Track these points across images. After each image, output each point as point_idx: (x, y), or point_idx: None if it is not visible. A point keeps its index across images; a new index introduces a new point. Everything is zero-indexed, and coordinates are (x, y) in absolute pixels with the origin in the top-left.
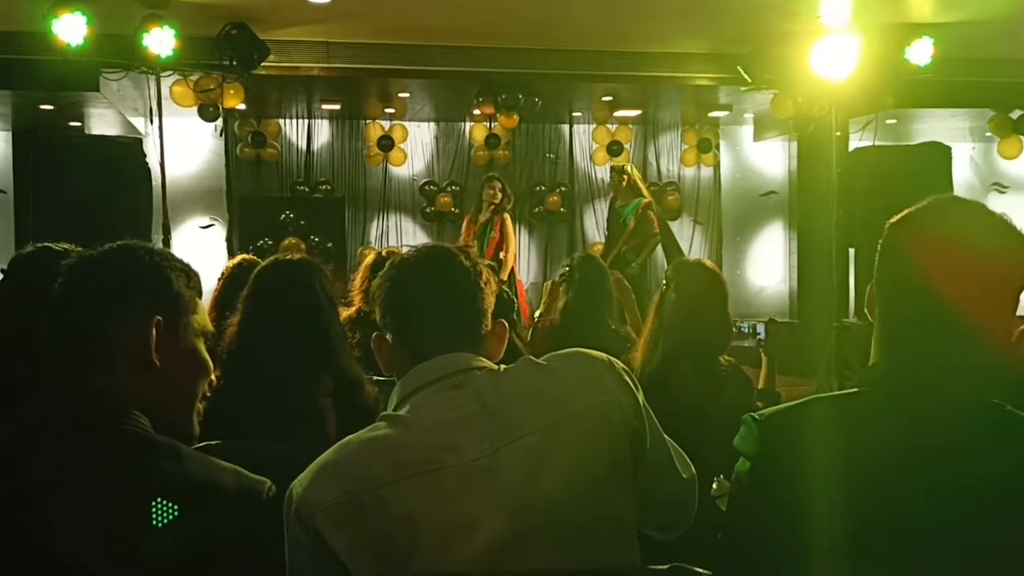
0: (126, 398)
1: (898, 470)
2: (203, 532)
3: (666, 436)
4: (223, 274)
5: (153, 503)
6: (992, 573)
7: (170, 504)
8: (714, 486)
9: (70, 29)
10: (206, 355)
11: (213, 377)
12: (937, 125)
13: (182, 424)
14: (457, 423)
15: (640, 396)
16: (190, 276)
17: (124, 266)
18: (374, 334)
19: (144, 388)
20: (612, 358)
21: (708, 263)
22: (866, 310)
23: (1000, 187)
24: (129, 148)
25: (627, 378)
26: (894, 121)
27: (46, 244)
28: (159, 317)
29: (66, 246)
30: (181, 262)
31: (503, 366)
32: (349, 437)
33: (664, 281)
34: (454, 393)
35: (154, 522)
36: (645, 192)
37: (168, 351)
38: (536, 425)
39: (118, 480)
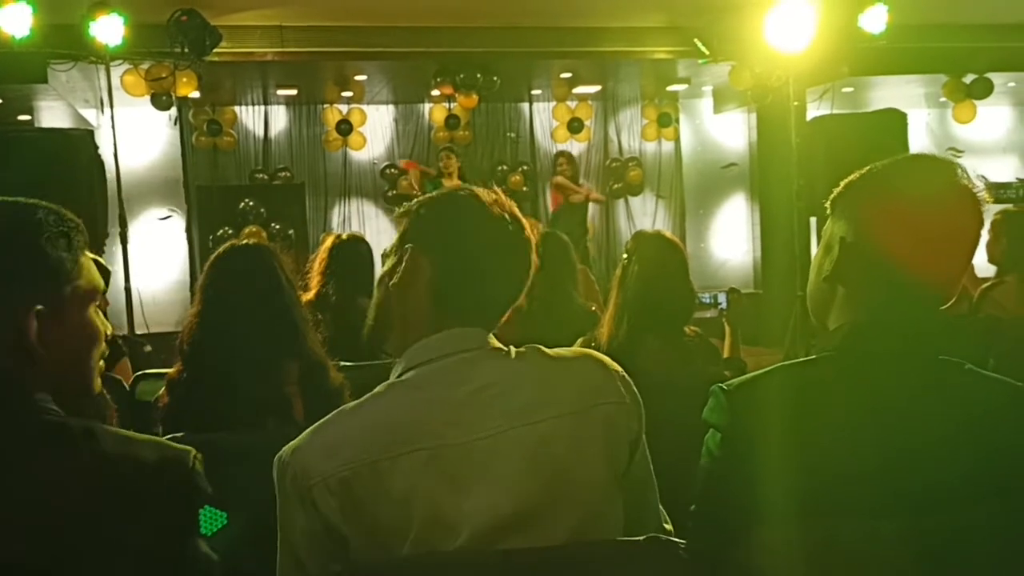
0: (22, 382)
1: (862, 432)
2: (131, 507)
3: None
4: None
5: (76, 489)
6: (948, 528)
7: (93, 486)
8: None
9: (15, 20)
10: (96, 321)
11: (109, 336)
12: (892, 92)
13: (83, 391)
14: (465, 399)
15: (642, 408)
16: (71, 237)
17: None
18: (408, 249)
19: (35, 372)
20: (617, 366)
21: (666, 233)
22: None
23: (955, 151)
24: (81, 140)
25: (632, 388)
26: (850, 89)
27: None
28: (39, 306)
29: None
30: (59, 222)
31: (512, 348)
32: (351, 404)
33: (625, 254)
34: (465, 368)
35: (81, 507)
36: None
37: (53, 333)
38: (547, 413)
39: (38, 473)
